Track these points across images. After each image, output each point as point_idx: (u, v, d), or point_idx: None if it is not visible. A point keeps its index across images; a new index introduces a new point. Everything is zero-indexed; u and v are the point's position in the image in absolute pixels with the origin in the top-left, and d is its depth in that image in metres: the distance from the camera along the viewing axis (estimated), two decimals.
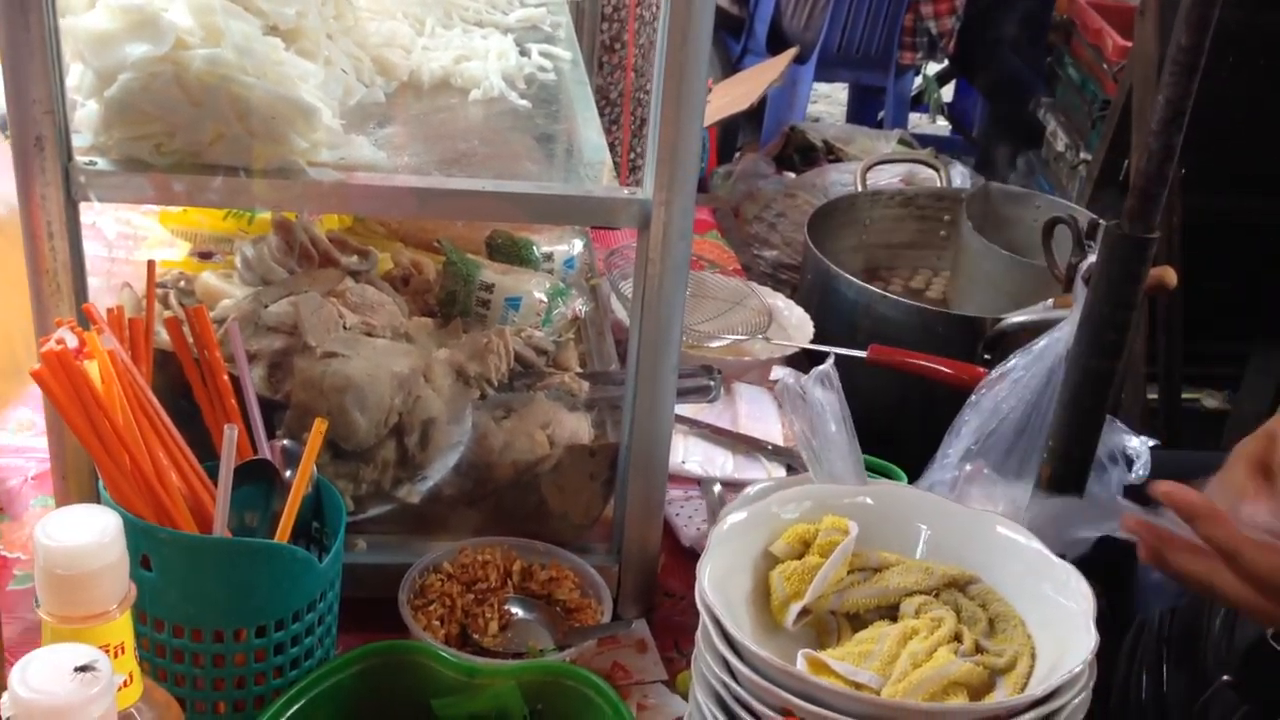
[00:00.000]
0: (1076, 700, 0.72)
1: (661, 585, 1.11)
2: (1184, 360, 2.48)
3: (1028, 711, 0.69)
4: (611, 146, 2.20)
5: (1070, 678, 0.70)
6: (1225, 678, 0.98)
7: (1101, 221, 1.07)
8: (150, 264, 0.92)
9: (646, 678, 1.00)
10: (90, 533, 0.59)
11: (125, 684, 0.61)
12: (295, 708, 0.83)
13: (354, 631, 0.95)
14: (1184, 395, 2.59)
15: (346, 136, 0.96)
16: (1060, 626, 0.76)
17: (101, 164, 0.89)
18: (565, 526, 1.07)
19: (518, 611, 0.98)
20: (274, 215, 1.26)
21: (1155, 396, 2.50)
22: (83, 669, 0.51)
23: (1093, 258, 1.08)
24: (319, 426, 0.83)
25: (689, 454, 1.28)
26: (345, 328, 1.10)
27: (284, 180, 0.89)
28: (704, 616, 0.76)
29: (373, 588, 0.99)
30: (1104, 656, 1.10)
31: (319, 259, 1.21)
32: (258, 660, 0.84)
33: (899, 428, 1.38)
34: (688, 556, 1.16)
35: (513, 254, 1.37)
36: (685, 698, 0.87)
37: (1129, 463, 1.19)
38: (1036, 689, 0.71)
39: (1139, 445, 1.13)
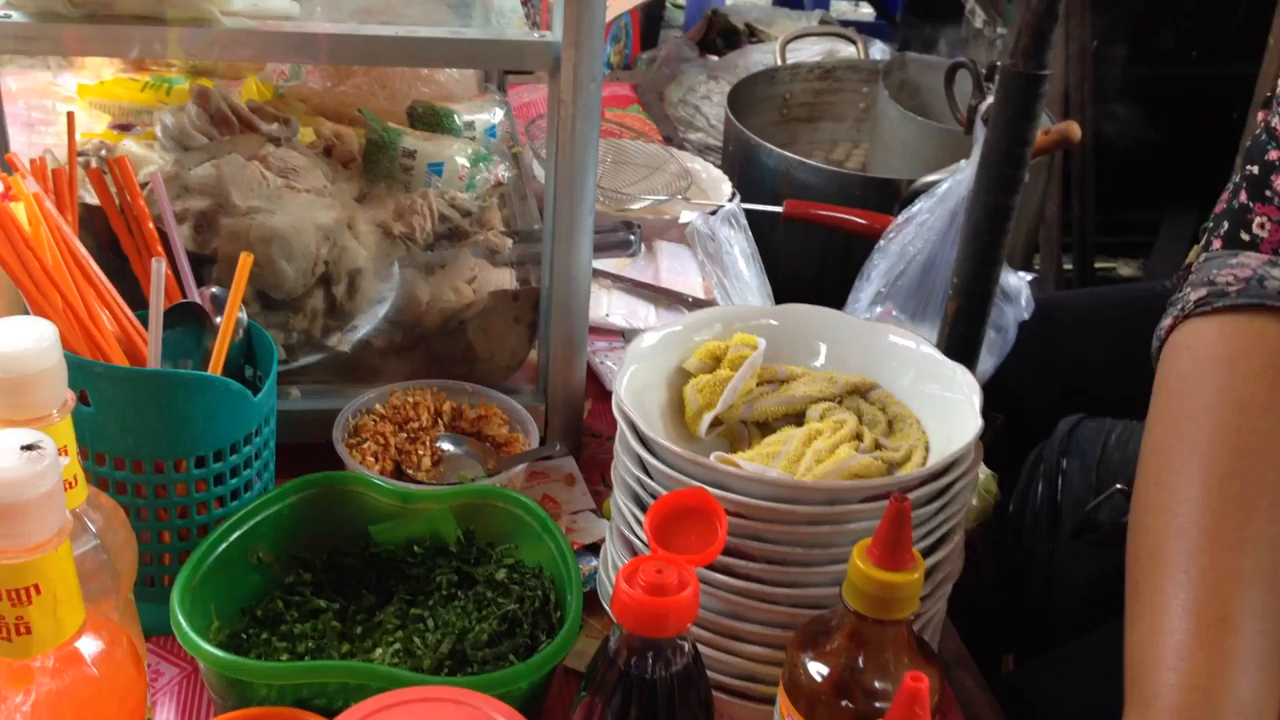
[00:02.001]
0: (964, 480, 0.78)
1: (588, 428, 1.16)
2: (1098, 229, 2.56)
3: (920, 487, 0.75)
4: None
5: (958, 455, 0.76)
6: (1119, 485, 1.05)
7: (998, 62, 1.12)
8: (70, 115, 0.94)
9: (575, 507, 1.06)
10: (28, 339, 0.61)
11: (71, 486, 0.65)
12: (236, 534, 0.86)
13: (292, 475, 0.99)
14: (1100, 264, 2.68)
15: None
16: (950, 419, 0.82)
17: (16, 17, 0.90)
18: (492, 369, 1.11)
19: (449, 447, 1.03)
20: (192, 84, 1.28)
21: (1071, 267, 2.59)
22: (28, 448, 0.55)
23: (991, 99, 1.13)
24: (245, 261, 0.86)
25: (613, 307, 1.32)
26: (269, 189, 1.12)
27: (198, 27, 0.91)
28: (620, 422, 0.81)
29: (307, 433, 1.02)
30: (1006, 476, 1.18)
31: (239, 126, 1.23)
32: (198, 490, 0.88)
33: (820, 288, 1.44)
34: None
35: (434, 123, 1.40)
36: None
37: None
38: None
39: (1017, 282, 1.20)
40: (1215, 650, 0.68)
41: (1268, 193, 0.86)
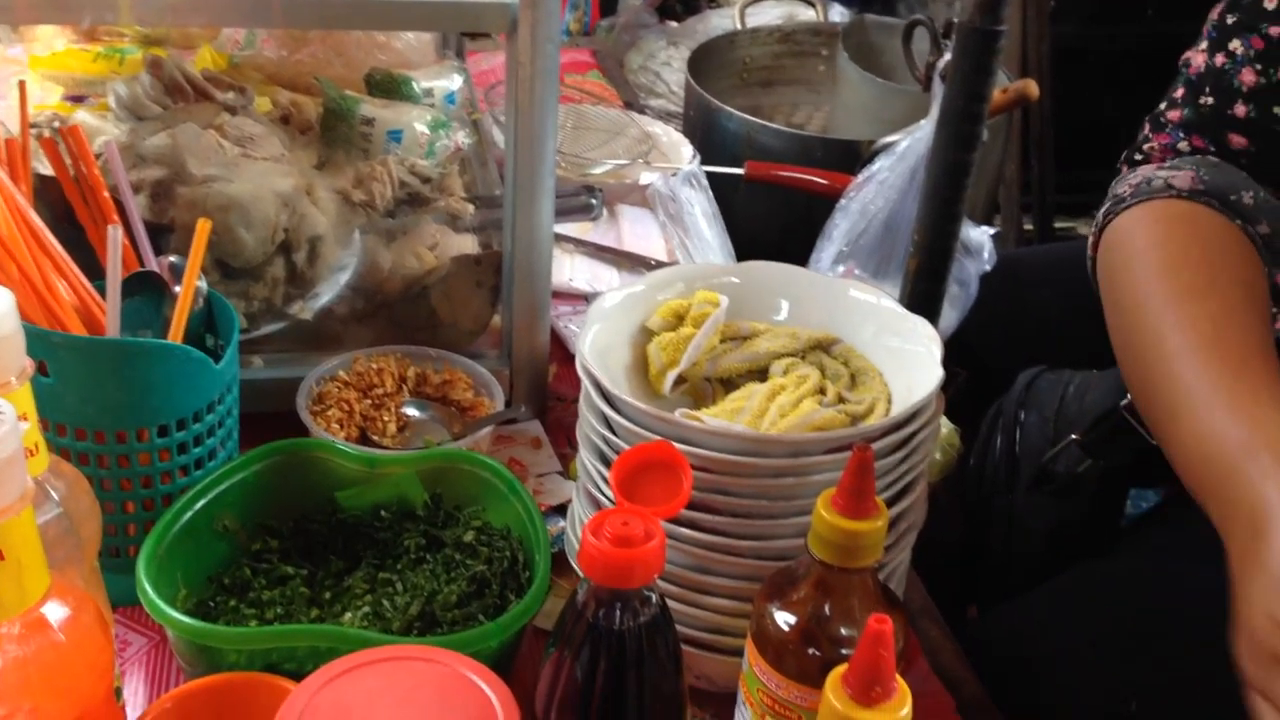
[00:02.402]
0: (926, 431, 0.79)
1: (554, 391, 1.16)
2: (1058, 189, 2.58)
3: (883, 437, 0.76)
4: None
5: (920, 406, 0.77)
6: (1074, 436, 1.07)
7: (954, 19, 1.12)
8: (21, 84, 0.92)
9: (541, 470, 1.06)
10: None
11: (32, 453, 0.64)
12: (201, 503, 0.86)
13: (256, 444, 0.98)
14: (1060, 224, 2.69)
15: None
16: (911, 370, 0.82)
17: None
18: (456, 334, 1.11)
19: (414, 413, 1.02)
20: (145, 54, 1.26)
21: (1031, 227, 2.60)
22: None
23: (949, 55, 1.14)
24: (203, 227, 0.85)
25: (576, 272, 1.32)
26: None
27: None
28: (585, 381, 0.81)
29: (271, 402, 1.02)
30: (970, 431, 1.19)
31: (194, 95, 1.22)
32: (162, 460, 0.87)
33: (782, 249, 1.45)
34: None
35: (392, 90, 1.39)
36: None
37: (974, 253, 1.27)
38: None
39: (979, 235, 1.21)
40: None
41: (1163, 120, 1.01)
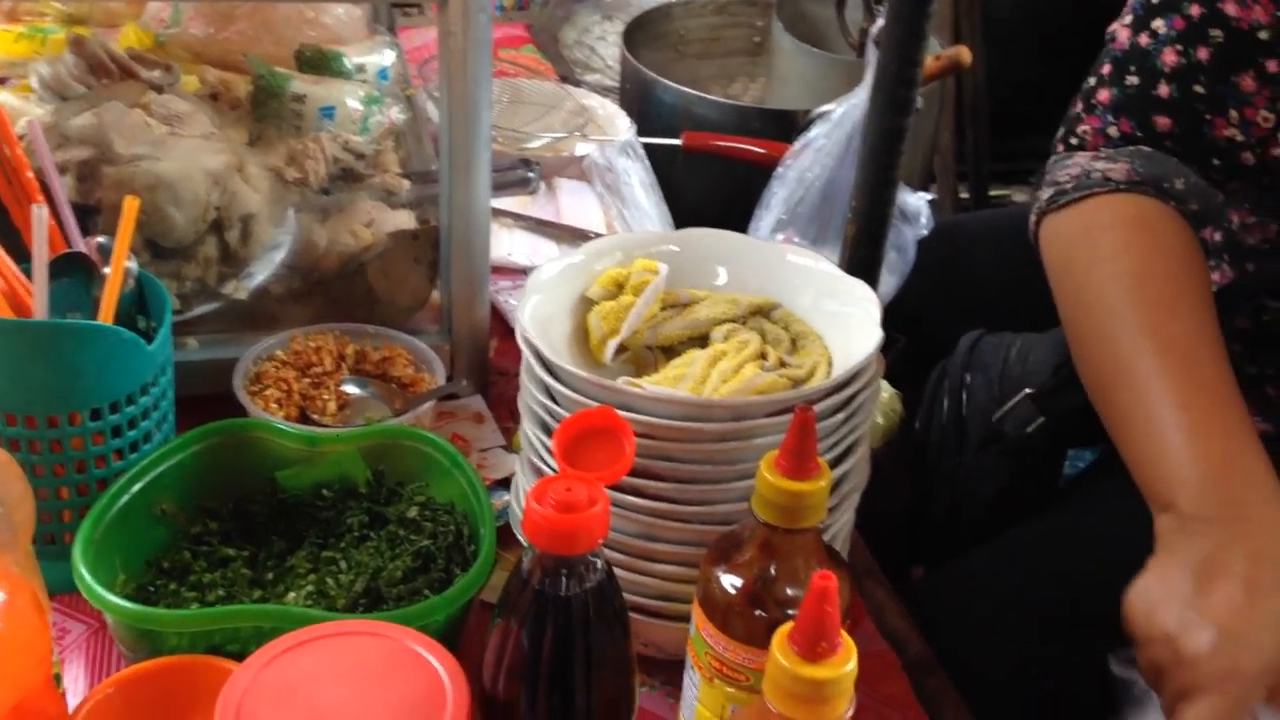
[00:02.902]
0: (867, 391, 0.79)
1: (495, 366, 1.15)
2: (992, 157, 2.60)
3: (824, 399, 0.76)
4: None
5: (860, 367, 0.77)
6: (1027, 390, 1.08)
7: None
8: None
9: (484, 444, 1.05)
10: None
11: None
12: (138, 486, 0.85)
13: (193, 427, 0.97)
14: (995, 192, 2.72)
15: None
16: (851, 333, 0.83)
17: None
18: (394, 311, 1.10)
19: (354, 390, 1.01)
20: (68, 33, 1.23)
21: (966, 195, 2.63)
22: None
23: (881, 21, 1.14)
24: (130, 204, 0.84)
25: (515, 246, 1.31)
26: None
27: None
28: (525, 351, 0.81)
29: (208, 383, 1.00)
30: (912, 396, 1.20)
31: (119, 74, 1.19)
32: (95, 444, 0.85)
33: (723, 220, 1.44)
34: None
35: (323, 66, 1.37)
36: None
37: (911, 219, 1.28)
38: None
39: (916, 202, 1.21)
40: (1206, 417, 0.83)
41: (1093, 102, 1.01)
